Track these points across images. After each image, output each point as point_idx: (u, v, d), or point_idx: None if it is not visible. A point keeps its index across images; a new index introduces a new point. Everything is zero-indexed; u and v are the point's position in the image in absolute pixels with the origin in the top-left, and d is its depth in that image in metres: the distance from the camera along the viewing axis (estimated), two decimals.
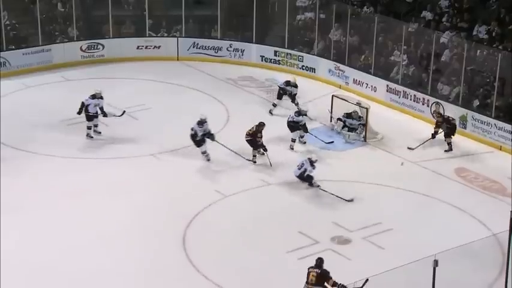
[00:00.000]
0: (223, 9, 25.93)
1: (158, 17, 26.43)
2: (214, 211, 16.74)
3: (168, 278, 14.34)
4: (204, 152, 18.80)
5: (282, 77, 23.20)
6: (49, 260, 14.67)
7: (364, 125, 20.29)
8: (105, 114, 19.75)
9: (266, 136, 19.04)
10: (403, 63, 22.76)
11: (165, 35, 26.29)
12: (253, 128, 18.89)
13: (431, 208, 17.15)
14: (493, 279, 14.15)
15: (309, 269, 13.23)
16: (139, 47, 25.75)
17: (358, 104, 20.83)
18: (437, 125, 19.87)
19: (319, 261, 13.23)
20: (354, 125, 20.32)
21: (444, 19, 23.35)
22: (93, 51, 25.43)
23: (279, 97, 21.83)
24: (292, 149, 19.66)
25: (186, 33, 26.07)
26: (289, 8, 25.36)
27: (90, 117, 19.68)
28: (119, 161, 18.78)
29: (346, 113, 20.46)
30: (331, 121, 20.91)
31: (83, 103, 19.57)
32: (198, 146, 18.77)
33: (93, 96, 19.63)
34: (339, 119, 20.52)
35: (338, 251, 15.29)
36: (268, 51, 25.38)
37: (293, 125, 19.79)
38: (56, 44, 25.16)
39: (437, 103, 21.42)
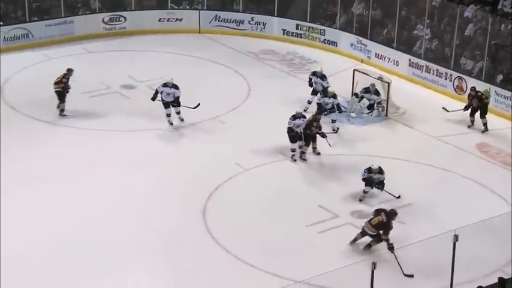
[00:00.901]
0: None
1: None
2: (234, 184, 16.73)
3: (188, 249, 14.38)
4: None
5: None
6: (70, 230, 14.74)
7: (383, 100, 20.08)
8: (178, 105, 18.99)
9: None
10: (426, 37, 22.54)
11: (187, 7, 26.20)
12: (309, 118, 17.95)
13: (452, 183, 17.04)
14: None
15: (379, 211, 14.09)
16: (161, 20, 25.69)
17: (380, 78, 20.65)
18: (470, 99, 19.52)
19: (392, 213, 14.00)
20: (373, 100, 20.10)
21: None
22: (115, 23, 25.41)
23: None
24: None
25: (208, 6, 26.00)
26: None
27: (164, 105, 18.95)
28: (139, 133, 18.80)
29: (364, 88, 20.06)
30: (352, 96, 20.67)
31: (156, 90, 18.97)
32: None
33: (165, 84, 18.84)
34: (355, 94, 20.15)
35: (358, 226, 15.23)
36: (290, 24, 25.22)
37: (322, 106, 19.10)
38: (78, 16, 25.17)
39: (460, 78, 21.22)
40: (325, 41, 24.70)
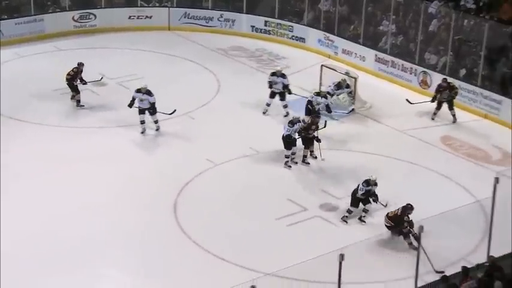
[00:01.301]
0: None
1: None
2: (204, 179, 16.77)
3: (159, 244, 14.42)
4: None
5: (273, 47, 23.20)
6: (41, 226, 14.72)
7: (352, 91, 20.24)
8: (153, 112, 18.49)
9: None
10: (392, 33, 22.71)
11: (157, 5, 26.12)
12: (308, 121, 17.57)
13: (418, 175, 17.23)
14: (477, 244, 14.26)
15: (407, 209, 14.06)
16: (131, 17, 25.60)
17: (347, 73, 20.77)
18: (439, 91, 19.66)
19: (408, 207, 14.09)
20: (343, 94, 20.24)
21: None
22: (85, 21, 25.28)
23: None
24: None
25: (177, 4, 25.93)
26: None
27: (138, 111, 18.44)
28: (110, 130, 18.77)
29: (336, 85, 20.01)
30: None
31: (132, 97, 18.47)
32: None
33: (138, 90, 18.43)
34: (328, 93, 20.17)
35: (326, 218, 15.38)
36: (259, 21, 25.27)
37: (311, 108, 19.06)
38: (48, 13, 24.99)
39: (424, 72, 21.43)
40: (293, 37, 24.78)
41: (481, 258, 13.03)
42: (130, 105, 18.54)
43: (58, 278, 13.33)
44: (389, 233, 14.46)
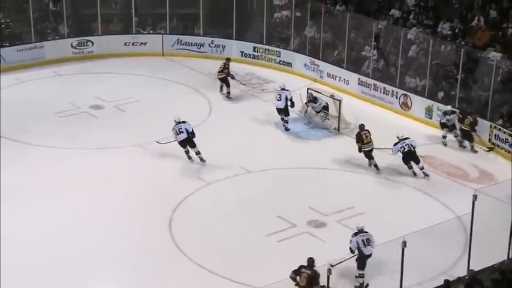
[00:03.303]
0: (205, 8, 25.78)
1: (144, 15, 26.23)
2: (198, 197, 16.68)
3: (154, 259, 14.28)
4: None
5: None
6: (39, 242, 14.59)
7: (327, 107, 20.34)
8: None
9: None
10: (373, 57, 22.74)
11: (151, 32, 26.09)
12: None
13: (400, 193, 17.20)
14: (457, 258, 14.20)
15: (301, 268, 12.72)
16: (127, 44, 25.55)
17: (332, 96, 20.79)
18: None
19: (311, 262, 12.74)
20: (316, 107, 20.35)
21: (411, 17, 23.32)
22: (83, 47, 25.20)
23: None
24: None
25: (170, 31, 25.90)
26: (266, 7, 25.25)
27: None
28: (107, 150, 18.63)
29: (309, 99, 20.44)
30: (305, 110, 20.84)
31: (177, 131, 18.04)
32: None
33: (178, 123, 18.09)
34: (306, 103, 20.50)
35: (314, 234, 15.28)
36: (248, 47, 25.26)
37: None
38: (48, 41, 24.89)
39: (405, 95, 21.44)
40: (281, 62, 24.78)
41: (461, 271, 12.98)
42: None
43: None
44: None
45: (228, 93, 21.92)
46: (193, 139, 17.98)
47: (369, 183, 17.53)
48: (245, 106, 21.46)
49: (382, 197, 16.92)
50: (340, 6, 24.69)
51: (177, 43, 25.68)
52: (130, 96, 21.76)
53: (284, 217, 15.84)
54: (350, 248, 13.64)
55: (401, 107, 21.48)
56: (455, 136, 19.49)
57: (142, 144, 18.92)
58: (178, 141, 17.97)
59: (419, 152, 17.74)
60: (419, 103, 20.85)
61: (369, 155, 18.09)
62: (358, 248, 13.57)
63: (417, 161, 17.68)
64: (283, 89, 20.37)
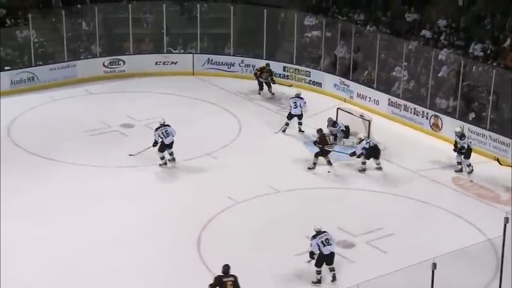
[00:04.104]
0: (236, 28, 25.95)
1: (175, 35, 26.49)
2: (227, 216, 16.69)
3: (183, 278, 14.29)
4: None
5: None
6: (68, 260, 14.68)
7: (345, 131, 20.39)
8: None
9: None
10: (404, 78, 22.69)
11: (182, 51, 26.32)
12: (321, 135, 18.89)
13: (430, 214, 17.05)
14: (488, 281, 14.04)
15: (221, 278, 12.98)
16: (158, 63, 25.79)
17: (362, 116, 20.77)
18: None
19: (227, 268, 13.04)
20: (334, 131, 20.38)
21: (442, 37, 23.31)
22: (115, 66, 25.49)
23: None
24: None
25: (201, 50, 26.11)
26: (297, 27, 25.36)
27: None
28: (137, 169, 18.75)
29: (328, 123, 20.45)
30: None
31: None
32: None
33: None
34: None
35: (343, 255, 15.20)
36: (278, 66, 25.32)
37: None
38: (80, 60, 25.25)
39: (435, 116, 21.34)
40: (311, 82, 24.83)
41: None
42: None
43: None
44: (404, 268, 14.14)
45: (271, 92, 23.42)
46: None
47: (398, 204, 17.42)
48: (274, 125, 21.48)
49: (411, 218, 16.79)
50: (370, 27, 24.73)
51: (208, 62, 25.86)
52: (160, 115, 21.89)
53: None
54: (311, 252, 14.23)
55: (432, 128, 21.37)
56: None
57: (172, 163, 19.02)
58: (165, 144, 18.56)
59: None
60: (450, 124, 20.72)
61: (327, 153, 18.63)
62: (319, 249, 14.17)
63: (378, 157, 18.76)
64: (298, 97, 21.02)
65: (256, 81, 23.94)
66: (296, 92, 21.63)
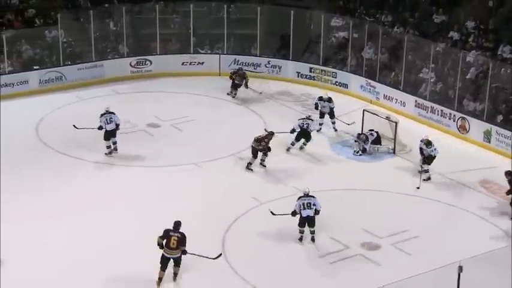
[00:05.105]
0: (263, 29, 25.96)
1: (202, 35, 26.56)
2: (251, 217, 16.68)
3: (208, 279, 14.31)
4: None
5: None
6: (96, 258, 14.75)
7: (375, 141, 20.12)
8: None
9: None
10: (431, 80, 22.54)
11: (208, 52, 26.40)
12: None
13: (457, 217, 16.91)
14: None
15: (168, 231, 13.79)
16: (184, 63, 25.88)
17: (388, 118, 20.66)
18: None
19: (177, 225, 13.91)
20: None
21: (470, 39, 23.13)
22: (142, 66, 25.63)
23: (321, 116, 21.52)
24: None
25: (227, 51, 26.16)
26: (324, 28, 25.31)
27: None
28: (163, 169, 18.82)
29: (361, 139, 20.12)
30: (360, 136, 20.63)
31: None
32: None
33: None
34: (362, 134, 20.22)
35: (368, 257, 15.14)
36: (304, 67, 25.33)
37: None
38: (107, 60, 25.43)
39: (463, 118, 21.17)
40: (337, 83, 24.76)
41: None
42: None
43: None
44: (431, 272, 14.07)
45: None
46: (117, 131, 19.27)
47: (423, 206, 17.31)
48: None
49: (437, 221, 16.67)
50: (398, 28, 24.61)
51: (234, 63, 25.87)
52: (186, 115, 22.01)
53: (337, 238, 15.75)
54: (294, 211, 15.50)
55: (459, 130, 21.21)
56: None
57: (198, 163, 19.07)
58: (106, 130, 19.15)
59: None
60: (477, 126, 20.56)
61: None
62: (299, 210, 15.48)
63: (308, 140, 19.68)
64: (327, 100, 21.26)
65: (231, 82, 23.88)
66: (322, 95, 21.52)
